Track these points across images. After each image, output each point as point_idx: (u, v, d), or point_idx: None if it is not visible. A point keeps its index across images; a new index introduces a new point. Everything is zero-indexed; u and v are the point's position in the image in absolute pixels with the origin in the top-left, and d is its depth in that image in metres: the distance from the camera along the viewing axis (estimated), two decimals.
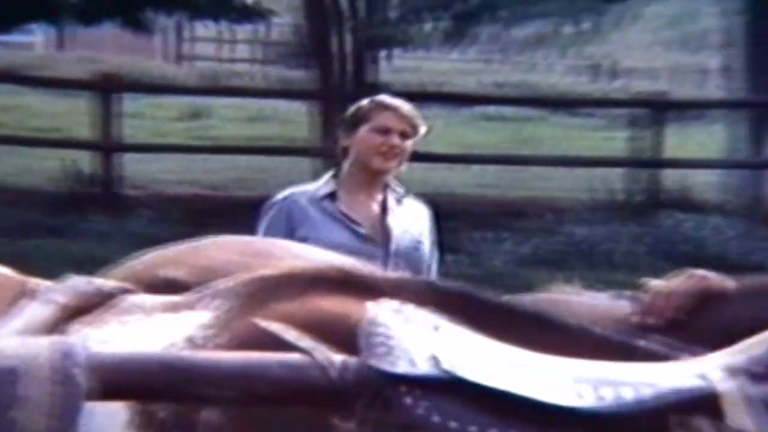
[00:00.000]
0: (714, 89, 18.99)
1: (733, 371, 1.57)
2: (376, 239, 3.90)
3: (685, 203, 11.90)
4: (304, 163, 13.34)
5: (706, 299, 2.30)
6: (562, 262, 9.39)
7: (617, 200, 12.08)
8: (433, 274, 4.04)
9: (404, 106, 3.95)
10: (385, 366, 1.59)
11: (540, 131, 19.21)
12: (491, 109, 20.62)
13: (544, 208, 11.69)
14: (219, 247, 2.77)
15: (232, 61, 28.73)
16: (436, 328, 1.69)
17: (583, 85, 26.48)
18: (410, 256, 3.93)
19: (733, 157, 13.65)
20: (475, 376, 1.58)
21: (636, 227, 10.56)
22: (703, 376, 1.56)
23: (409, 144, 3.92)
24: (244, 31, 27.60)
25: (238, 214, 10.69)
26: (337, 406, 1.63)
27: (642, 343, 1.77)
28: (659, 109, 13.38)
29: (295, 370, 1.62)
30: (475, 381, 1.57)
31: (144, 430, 1.75)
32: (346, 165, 3.99)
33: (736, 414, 1.52)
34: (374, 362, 1.60)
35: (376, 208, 3.96)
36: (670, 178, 12.68)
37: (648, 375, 1.59)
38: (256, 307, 1.79)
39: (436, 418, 1.56)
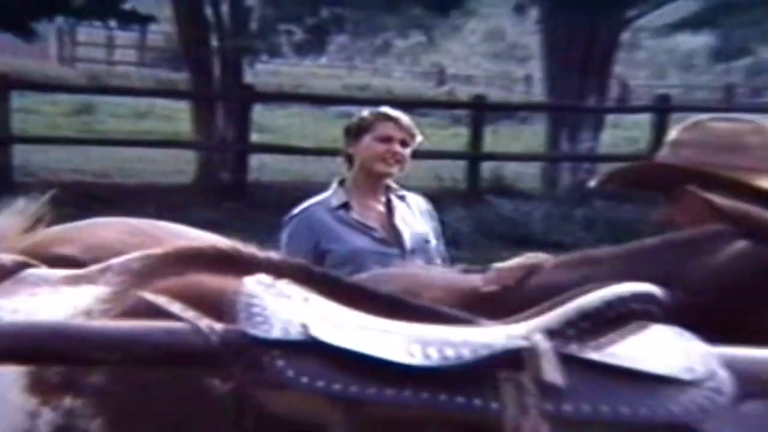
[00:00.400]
0: (536, 95, 19.40)
1: (550, 333, 1.59)
2: (391, 240, 3.77)
3: (506, 190, 12.19)
4: (183, 154, 13.24)
5: (535, 272, 2.37)
6: None
7: (460, 188, 12.29)
8: (441, 261, 3.90)
9: (404, 117, 3.84)
10: (260, 333, 1.58)
11: None
12: (345, 109, 20.79)
13: None
14: (106, 228, 2.72)
15: (120, 63, 28.34)
16: (306, 300, 1.68)
17: (428, 89, 26.81)
18: (422, 251, 3.81)
19: (551, 152, 14.03)
20: (339, 340, 1.58)
21: (465, 210, 10.76)
22: (526, 337, 1.59)
23: (408, 151, 3.82)
24: (129, 37, 27.22)
25: (122, 199, 10.56)
26: (216, 369, 1.61)
27: (482, 321, 1.80)
28: (484, 110, 13.67)
29: (178, 337, 1.59)
30: (339, 345, 1.57)
31: (39, 392, 1.70)
32: (351, 172, 3.86)
33: (550, 369, 1.54)
34: (250, 329, 1.59)
35: (383, 210, 3.85)
36: (493, 168, 12.97)
37: (483, 337, 1.61)
38: (146, 282, 1.77)
39: (304, 379, 1.55)
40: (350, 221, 3.76)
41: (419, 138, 3.88)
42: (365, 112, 3.89)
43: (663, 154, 2.56)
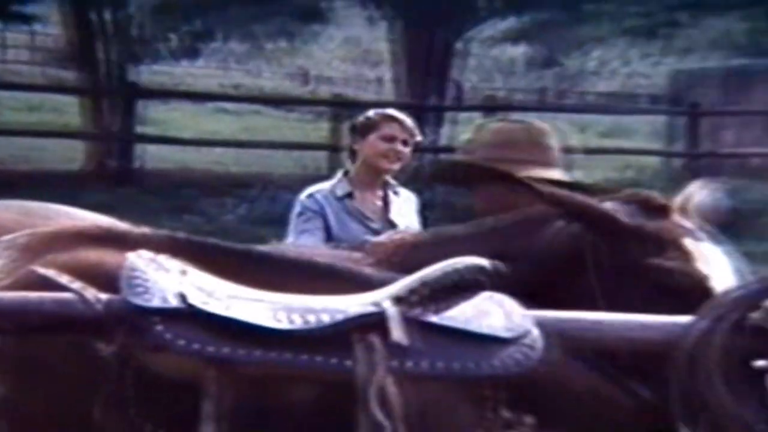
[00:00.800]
0: (387, 94, 19.59)
1: (397, 299, 1.61)
2: (384, 232, 3.50)
3: None
4: (73, 144, 12.93)
5: (404, 248, 2.38)
6: (275, 222, 9.49)
7: (323, 175, 12.30)
8: None
9: (407, 119, 3.68)
10: (141, 301, 1.56)
11: (261, 122, 19.35)
12: (226, 105, 20.57)
13: (263, 180, 11.81)
14: (2, 209, 2.62)
15: (13, 62, 27.35)
16: (184, 273, 1.66)
17: (293, 88, 26.70)
18: None
19: None
20: (213, 308, 1.57)
21: None
22: (377, 304, 1.60)
23: (408, 149, 3.65)
24: (22, 38, 26.30)
25: (17, 184, 10.20)
26: (101, 334, 1.58)
27: (349, 268, 1.82)
28: (343, 107, 13.78)
29: (66, 306, 1.56)
30: (212, 312, 1.56)
31: None
32: (355, 166, 3.68)
33: (397, 331, 1.57)
34: (132, 298, 1.56)
35: (380, 203, 3.67)
36: None
37: (340, 304, 1.62)
38: (36, 258, 1.71)
39: (181, 342, 1.53)
40: (352, 210, 3.62)
41: (419, 138, 3.75)
42: (371, 112, 3.74)
43: (459, 152, 2.67)
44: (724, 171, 12.74)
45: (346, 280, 1.80)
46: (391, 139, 3.63)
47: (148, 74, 18.73)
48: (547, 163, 2.50)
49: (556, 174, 2.44)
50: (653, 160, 15.28)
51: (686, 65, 18.27)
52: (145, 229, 1.83)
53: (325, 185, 3.71)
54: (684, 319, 1.68)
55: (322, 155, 13.21)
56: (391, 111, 3.76)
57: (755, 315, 1.65)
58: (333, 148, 12.96)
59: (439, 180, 2.86)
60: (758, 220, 10.22)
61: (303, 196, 3.66)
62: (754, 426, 1.62)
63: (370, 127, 3.67)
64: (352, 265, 1.89)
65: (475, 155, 2.55)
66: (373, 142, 3.64)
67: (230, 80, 25.92)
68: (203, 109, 20.57)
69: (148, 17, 13.93)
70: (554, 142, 2.60)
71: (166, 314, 1.55)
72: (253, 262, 1.79)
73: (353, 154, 3.73)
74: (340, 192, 3.66)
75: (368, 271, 1.89)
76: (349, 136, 3.78)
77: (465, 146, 2.67)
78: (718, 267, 1.95)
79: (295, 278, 1.74)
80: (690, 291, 1.85)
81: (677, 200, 2.08)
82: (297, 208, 3.63)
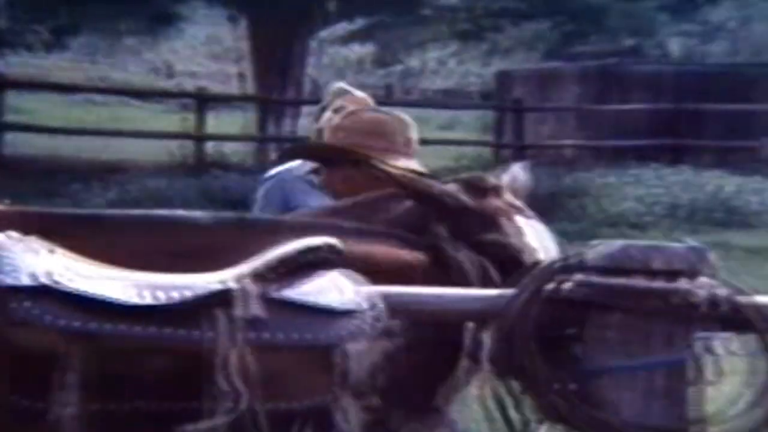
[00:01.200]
0: (248, 89, 19.44)
1: (255, 276, 1.60)
2: None
3: (225, 164, 12.21)
4: None
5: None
6: (138, 205, 9.33)
7: (190, 163, 12.21)
8: None
9: (356, 91, 3.49)
10: (10, 280, 1.49)
11: (129, 113, 18.85)
12: (94, 96, 19.90)
13: (131, 167, 11.56)
14: None
15: None
16: (51, 252, 1.59)
17: (159, 81, 26.08)
18: None
19: (261, 134, 14.25)
20: (79, 286, 1.51)
21: (193, 180, 10.70)
22: (237, 280, 1.59)
23: None
24: None
25: None
26: None
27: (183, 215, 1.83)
28: (206, 100, 13.62)
29: None
30: (78, 289, 1.50)
31: None
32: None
33: (255, 306, 1.56)
34: (1, 277, 1.49)
35: None
36: (215, 147, 13.00)
37: (202, 281, 1.59)
38: None
39: (47, 318, 1.47)
40: (317, 184, 3.37)
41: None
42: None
43: (327, 136, 2.67)
44: (544, 160, 13.25)
45: (181, 225, 1.79)
46: (341, 110, 3.43)
47: (17, 66, 17.86)
48: (407, 154, 2.53)
49: (413, 164, 2.47)
50: (484, 150, 15.73)
51: (509, 66, 18.86)
52: (22, 210, 1.75)
53: (293, 164, 3.51)
54: (509, 291, 1.74)
55: (188, 144, 13.02)
56: (342, 84, 3.66)
57: (566, 287, 1.71)
58: (198, 138, 12.78)
59: (298, 157, 2.85)
60: (571, 203, 10.69)
61: (266, 176, 3.50)
62: (564, 387, 1.69)
63: (325, 106, 3.54)
64: (185, 212, 1.86)
65: (344, 140, 2.55)
66: (327, 116, 3.48)
67: (97, 73, 25.05)
68: (72, 100, 19.85)
69: (13, 9, 13.30)
70: (415, 134, 2.63)
71: (34, 291, 1.48)
72: (101, 224, 1.75)
73: (319, 134, 3.54)
74: (306, 167, 3.45)
75: (200, 216, 1.86)
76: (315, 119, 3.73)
77: (335, 132, 2.66)
78: (545, 242, 2.02)
79: (139, 232, 1.74)
80: (522, 263, 1.90)
81: (504, 181, 2.14)
82: (260, 193, 3.45)
